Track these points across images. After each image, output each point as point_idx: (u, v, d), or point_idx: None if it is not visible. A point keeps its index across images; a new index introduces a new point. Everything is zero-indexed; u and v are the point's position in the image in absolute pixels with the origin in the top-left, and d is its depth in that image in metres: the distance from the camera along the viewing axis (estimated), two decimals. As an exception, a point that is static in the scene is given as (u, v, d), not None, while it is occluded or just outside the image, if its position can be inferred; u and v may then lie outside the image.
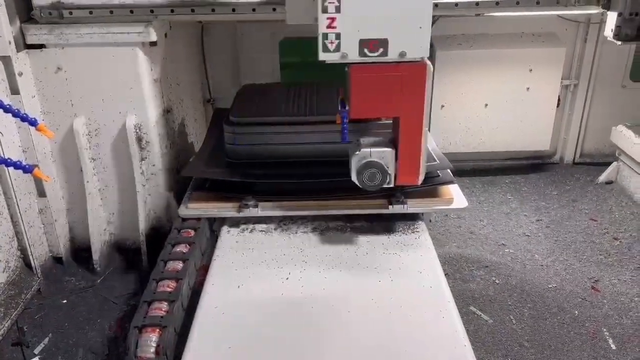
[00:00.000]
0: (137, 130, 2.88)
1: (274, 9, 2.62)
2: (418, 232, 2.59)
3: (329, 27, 2.02)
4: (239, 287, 2.23)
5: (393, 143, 2.34)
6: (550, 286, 2.94)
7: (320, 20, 2.01)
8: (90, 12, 2.63)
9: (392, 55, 2.07)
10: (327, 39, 2.04)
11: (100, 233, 3.08)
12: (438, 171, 2.74)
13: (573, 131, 4.22)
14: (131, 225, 3.09)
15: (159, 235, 3.06)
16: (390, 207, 2.60)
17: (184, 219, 2.67)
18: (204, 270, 2.49)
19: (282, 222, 2.69)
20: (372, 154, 2.30)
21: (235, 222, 2.70)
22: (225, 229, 2.66)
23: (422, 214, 2.75)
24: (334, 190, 2.64)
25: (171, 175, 3.15)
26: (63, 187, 3.05)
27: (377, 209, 2.64)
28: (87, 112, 2.87)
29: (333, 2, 1.99)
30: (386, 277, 2.28)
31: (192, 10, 2.63)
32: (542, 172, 4.24)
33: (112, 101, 2.83)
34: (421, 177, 2.37)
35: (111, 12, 2.63)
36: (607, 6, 2.58)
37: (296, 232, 2.61)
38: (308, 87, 3.06)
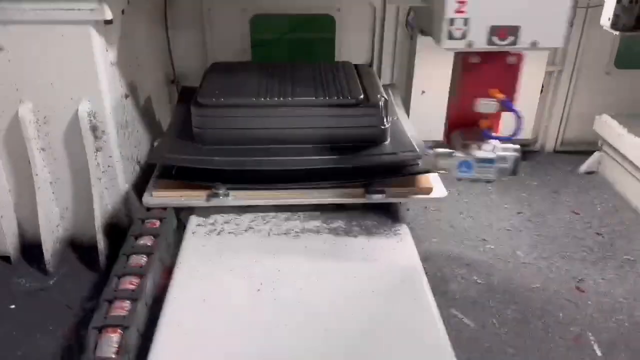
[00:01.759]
0: (92, 118, 2.60)
1: (244, -14, 2.35)
2: (400, 234, 2.42)
3: (457, 11, 1.87)
4: (204, 300, 2.02)
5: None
6: (533, 286, 2.82)
7: (447, 4, 1.85)
8: (34, -15, 2.32)
9: (523, 44, 1.93)
10: (453, 24, 1.89)
11: (52, 230, 2.81)
12: (418, 160, 2.61)
13: (555, 119, 4.09)
14: (87, 221, 2.82)
15: (117, 231, 2.81)
16: (367, 195, 2.49)
17: (148, 209, 2.51)
18: (167, 273, 2.27)
19: (254, 222, 2.48)
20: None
21: (204, 213, 2.56)
22: (190, 230, 2.44)
23: (401, 209, 2.64)
24: (309, 177, 2.51)
25: (130, 167, 2.89)
26: (9, 180, 2.76)
27: (353, 198, 2.54)
28: (34, 98, 2.57)
29: None
30: (366, 289, 2.10)
31: (152, -15, 2.35)
32: (523, 160, 4.08)
33: (63, 86, 2.54)
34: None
35: (58, -15, 2.32)
36: (606, -7, 2.41)
37: (269, 234, 2.41)
38: (282, 67, 2.91)
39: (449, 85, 3.85)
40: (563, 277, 2.89)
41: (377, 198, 2.46)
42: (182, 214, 2.64)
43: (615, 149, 3.64)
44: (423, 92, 3.74)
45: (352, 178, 2.49)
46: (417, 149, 2.60)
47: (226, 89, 2.65)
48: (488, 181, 2.40)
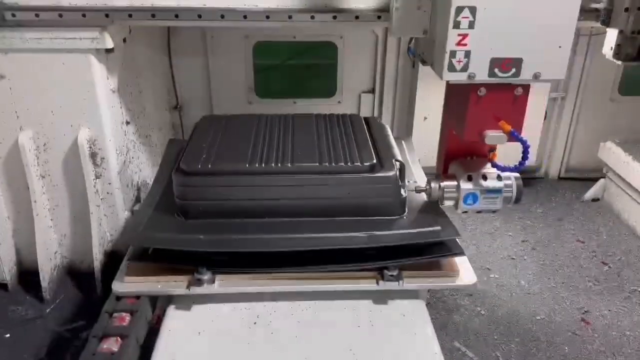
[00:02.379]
0: (91, 146, 2.59)
1: (245, 17, 2.35)
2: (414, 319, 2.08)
3: (458, 44, 1.82)
4: None
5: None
6: (538, 318, 2.76)
7: (449, 37, 1.80)
8: (37, 15, 2.32)
9: (526, 75, 1.89)
10: (454, 57, 1.84)
11: (50, 257, 2.78)
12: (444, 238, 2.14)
13: (559, 145, 4.06)
14: (85, 249, 2.80)
15: (115, 259, 2.78)
16: (380, 282, 2.04)
17: (118, 298, 2.08)
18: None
19: (246, 308, 2.09)
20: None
21: (185, 302, 2.06)
22: (166, 327, 2.00)
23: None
24: (311, 259, 2.08)
25: (130, 194, 2.87)
26: (8, 207, 2.75)
27: (363, 283, 2.07)
28: (34, 125, 2.57)
29: (467, 17, 1.78)
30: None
31: (153, 16, 2.35)
32: (527, 187, 4.01)
33: (63, 113, 2.54)
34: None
35: (60, 15, 2.32)
36: (607, 22, 2.38)
37: (269, 324, 2.02)
38: (280, 122, 2.57)
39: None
40: (568, 309, 2.83)
41: (393, 286, 2.04)
42: (158, 304, 2.21)
43: (620, 177, 3.59)
44: (425, 118, 3.72)
45: (364, 260, 2.06)
46: (439, 226, 2.16)
47: (215, 151, 2.27)
48: (493, 211, 2.33)
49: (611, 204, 3.76)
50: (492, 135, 2.01)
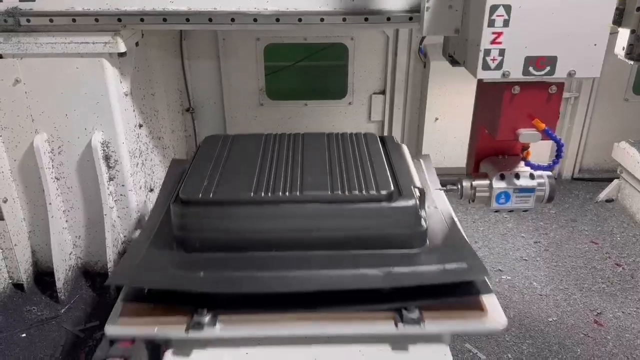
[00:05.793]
0: (105, 148, 2.63)
1: (255, 20, 2.37)
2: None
3: (493, 42, 1.82)
4: None
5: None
6: (550, 319, 2.74)
7: (484, 35, 1.80)
8: (51, 20, 2.37)
9: (560, 74, 1.87)
10: (489, 55, 1.83)
11: (64, 258, 2.83)
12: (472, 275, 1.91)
13: (572, 146, 4.03)
14: (99, 250, 2.85)
15: (129, 260, 2.81)
16: (399, 325, 1.79)
17: (111, 341, 1.88)
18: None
19: (251, 354, 1.88)
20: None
21: (184, 348, 1.86)
22: None
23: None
24: (322, 298, 1.87)
25: (143, 195, 2.90)
26: (24, 209, 2.80)
27: (380, 325, 1.83)
28: (49, 129, 2.61)
29: (502, 16, 1.78)
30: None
31: (164, 20, 2.38)
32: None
33: (77, 117, 2.58)
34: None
35: (74, 20, 2.36)
36: (619, 22, 2.36)
37: None
38: (289, 142, 2.40)
39: (463, 113, 3.84)
40: (581, 310, 2.81)
41: (414, 329, 1.80)
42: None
43: (635, 177, 3.55)
44: (436, 119, 3.72)
45: (380, 298, 1.86)
46: (465, 263, 1.91)
47: (218, 178, 2.09)
48: (525, 210, 2.30)
49: (625, 205, 3.72)
50: (526, 134, 2.00)
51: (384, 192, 1.98)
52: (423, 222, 2.01)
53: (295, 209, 1.96)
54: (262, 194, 1.98)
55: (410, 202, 1.97)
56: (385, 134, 3.96)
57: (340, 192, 1.99)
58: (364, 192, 1.98)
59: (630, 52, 2.33)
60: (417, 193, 2.02)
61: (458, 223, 2.25)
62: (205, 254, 1.97)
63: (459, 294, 1.87)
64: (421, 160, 2.75)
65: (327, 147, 2.36)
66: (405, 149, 2.58)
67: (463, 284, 1.90)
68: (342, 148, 2.35)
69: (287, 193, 1.99)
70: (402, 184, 2.08)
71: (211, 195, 1.97)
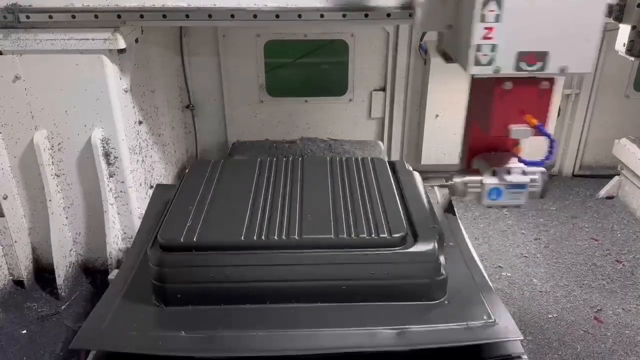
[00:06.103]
0: (105, 145, 2.63)
1: (255, 16, 2.37)
2: None
3: (484, 37, 1.81)
4: None
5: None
6: (550, 316, 2.75)
7: (474, 30, 1.80)
8: (50, 17, 2.36)
9: (552, 69, 1.87)
10: (480, 50, 1.83)
11: (64, 255, 2.83)
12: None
13: (573, 142, 4.02)
14: (99, 246, 2.85)
15: (129, 257, 2.82)
16: None
17: None
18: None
19: None
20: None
21: None
22: None
23: None
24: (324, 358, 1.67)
25: (143, 192, 2.90)
26: (24, 205, 2.80)
27: None
28: (49, 125, 2.61)
29: (493, 11, 1.77)
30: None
31: (164, 16, 2.37)
32: (540, 184, 4.03)
33: (77, 113, 2.58)
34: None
35: (73, 16, 2.36)
36: (620, 18, 2.35)
37: None
38: (289, 170, 2.16)
39: (464, 110, 3.83)
40: (581, 307, 2.81)
41: None
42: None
43: (635, 174, 3.55)
44: (437, 115, 3.71)
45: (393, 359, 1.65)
46: (498, 317, 1.70)
47: (203, 216, 1.83)
48: (517, 206, 2.29)
49: (626, 202, 3.71)
50: (517, 130, 1.99)
51: (396, 236, 1.73)
52: (442, 270, 1.76)
53: (294, 256, 1.72)
54: (255, 238, 1.73)
55: (428, 247, 1.72)
56: (385, 132, 3.95)
57: (345, 236, 1.75)
58: (373, 235, 1.74)
59: (631, 49, 2.32)
60: (436, 235, 1.78)
61: (479, 262, 2.07)
62: (187, 307, 1.73)
63: (485, 356, 1.66)
64: (436, 189, 2.55)
65: (329, 176, 2.12)
66: (417, 177, 2.32)
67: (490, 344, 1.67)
68: (348, 179, 2.11)
69: (283, 236, 1.74)
70: (417, 224, 1.84)
71: (195, 239, 1.72)
